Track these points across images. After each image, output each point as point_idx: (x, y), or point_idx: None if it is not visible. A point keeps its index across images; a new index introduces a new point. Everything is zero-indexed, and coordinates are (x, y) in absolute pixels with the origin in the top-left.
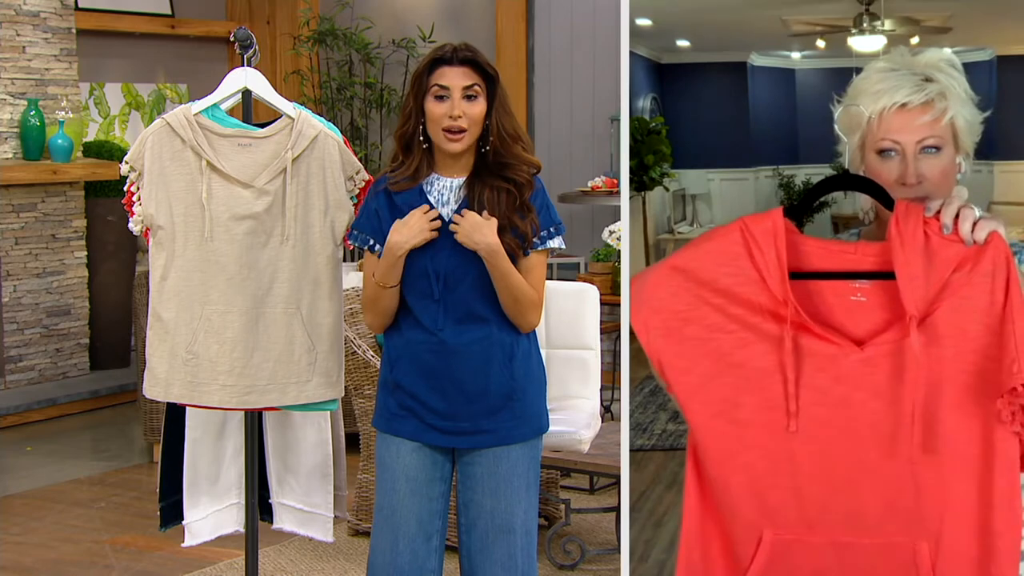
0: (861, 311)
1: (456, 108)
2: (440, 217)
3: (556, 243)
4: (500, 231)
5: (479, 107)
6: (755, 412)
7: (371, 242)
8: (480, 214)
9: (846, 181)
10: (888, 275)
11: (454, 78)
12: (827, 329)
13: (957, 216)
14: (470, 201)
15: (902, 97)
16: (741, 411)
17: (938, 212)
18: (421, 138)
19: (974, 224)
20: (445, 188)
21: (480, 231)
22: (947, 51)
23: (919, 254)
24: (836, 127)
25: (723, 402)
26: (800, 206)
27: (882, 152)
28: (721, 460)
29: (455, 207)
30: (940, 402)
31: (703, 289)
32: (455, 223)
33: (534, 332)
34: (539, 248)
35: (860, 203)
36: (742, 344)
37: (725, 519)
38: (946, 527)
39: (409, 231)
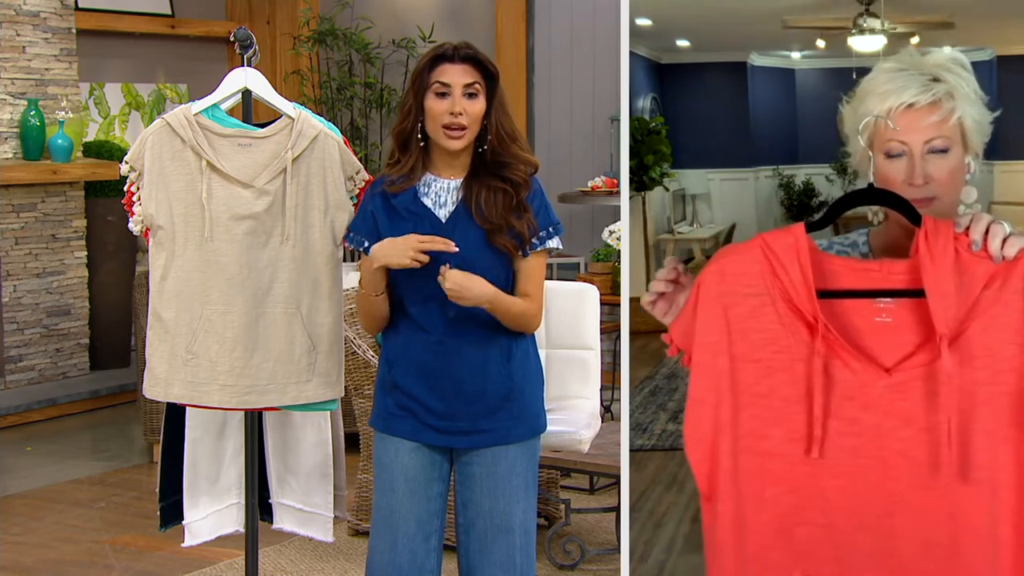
0: (887, 333)
1: (457, 105)
2: (438, 220)
3: (554, 243)
4: (496, 232)
5: (479, 105)
6: (781, 444)
7: (366, 244)
8: (473, 220)
9: (871, 195)
10: (914, 293)
11: (455, 75)
12: (856, 352)
13: (987, 232)
14: (467, 202)
15: (909, 97)
16: (766, 443)
17: (967, 228)
18: (419, 136)
19: (1004, 240)
20: (442, 190)
21: (471, 288)
22: (956, 51)
23: (949, 270)
24: (843, 128)
25: (749, 435)
26: (823, 220)
27: (889, 153)
28: (747, 497)
29: (452, 208)
30: (974, 427)
31: (729, 314)
32: (441, 280)
33: (532, 332)
34: (537, 249)
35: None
36: (768, 372)
37: (751, 566)
38: (983, 569)
39: (391, 250)
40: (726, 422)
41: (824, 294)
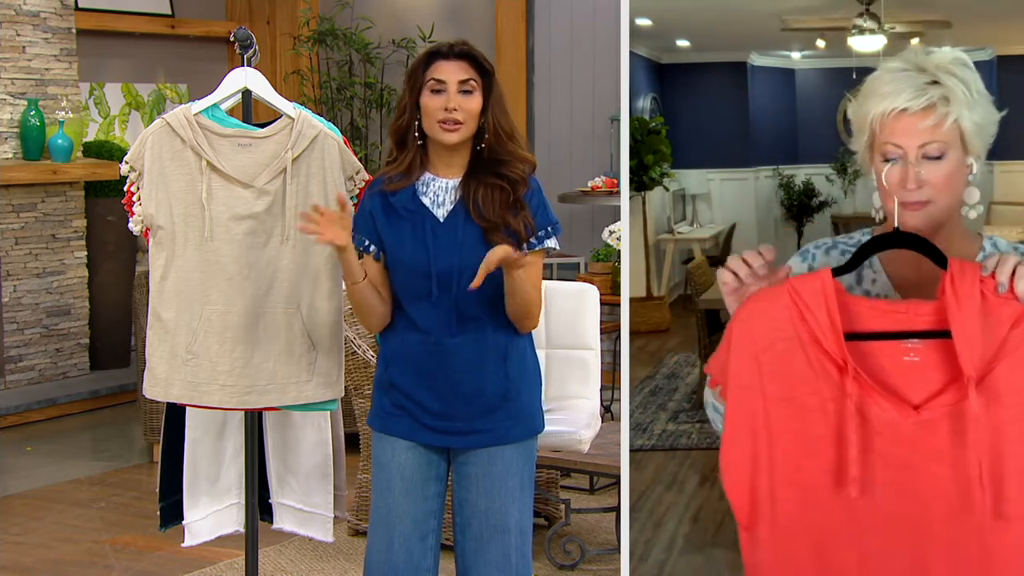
0: (915, 372)
1: (452, 100)
2: (436, 219)
3: (552, 243)
4: (493, 230)
5: (475, 101)
6: (816, 475)
7: (366, 243)
8: (471, 219)
9: (897, 240)
10: (941, 334)
11: (450, 71)
12: (884, 392)
13: (1013, 274)
14: (465, 201)
15: (902, 102)
16: (802, 475)
17: (993, 271)
18: (416, 134)
19: None
20: (441, 189)
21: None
22: (959, 51)
23: (976, 313)
24: (846, 126)
25: (785, 466)
26: (848, 265)
27: (886, 156)
28: (786, 525)
29: (450, 208)
30: (1004, 465)
31: (760, 358)
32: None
33: (530, 332)
34: (535, 248)
35: (873, 201)
36: (801, 411)
37: None
38: None
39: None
40: (763, 460)
41: (852, 336)
